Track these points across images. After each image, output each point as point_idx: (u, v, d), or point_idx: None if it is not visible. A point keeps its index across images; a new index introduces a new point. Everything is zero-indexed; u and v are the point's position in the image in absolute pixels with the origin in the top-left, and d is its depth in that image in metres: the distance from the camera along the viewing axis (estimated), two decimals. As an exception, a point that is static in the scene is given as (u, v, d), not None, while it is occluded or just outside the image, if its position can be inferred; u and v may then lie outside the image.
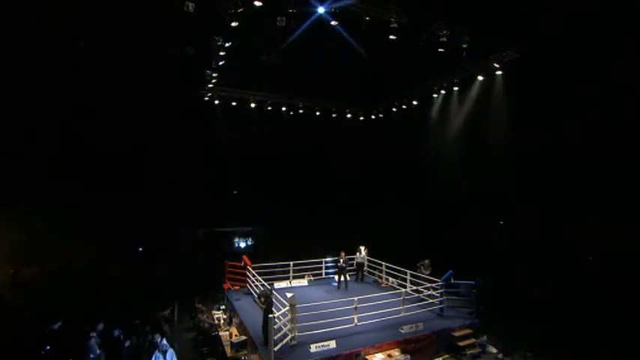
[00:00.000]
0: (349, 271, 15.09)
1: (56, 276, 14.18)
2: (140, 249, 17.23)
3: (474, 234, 15.04)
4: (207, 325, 11.68)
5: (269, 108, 17.68)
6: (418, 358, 9.66)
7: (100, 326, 10.10)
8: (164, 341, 8.63)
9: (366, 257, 15.22)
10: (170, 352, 8.46)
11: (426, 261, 12.65)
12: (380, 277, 14.94)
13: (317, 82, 16.64)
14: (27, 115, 13.79)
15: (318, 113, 18.59)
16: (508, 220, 15.27)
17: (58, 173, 14.68)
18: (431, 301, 11.65)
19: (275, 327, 8.47)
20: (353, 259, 15.02)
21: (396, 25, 10.56)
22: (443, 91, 15.68)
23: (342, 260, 13.70)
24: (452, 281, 11.84)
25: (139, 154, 16.63)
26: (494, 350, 10.40)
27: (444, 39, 11.15)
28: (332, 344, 8.96)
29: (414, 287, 12.17)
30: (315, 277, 15.25)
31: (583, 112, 11.70)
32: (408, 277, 12.78)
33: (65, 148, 14.90)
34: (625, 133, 11.12)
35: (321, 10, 9.80)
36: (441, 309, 11.46)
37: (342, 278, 13.73)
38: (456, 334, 10.44)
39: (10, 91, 12.81)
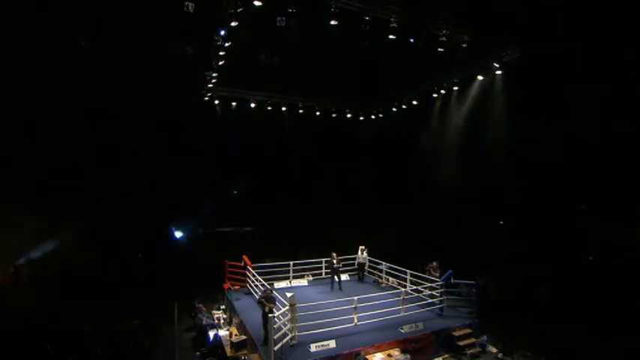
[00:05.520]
0: (347, 271, 15.12)
1: (56, 276, 14.18)
2: (139, 255, 17.16)
3: (473, 234, 15.01)
4: (206, 324, 11.69)
5: (269, 108, 17.70)
6: (418, 358, 9.66)
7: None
8: None
9: (367, 257, 15.23)
10: None
11: (434, 263, 12.59)
12: (380, 277, 14.95)
13: (317, 82, 16.65)
14: (28, 113, 13.79)
15: (318, 113, 18.60)
16: (508, 220, 15.24)
17: (59, 173, 14.68)
18: (431, 300, 11.65)
19: (275, 327, 8.48)
20: (352, 259, 15.05)
21: (395, 25, 10.57)
22: (443, 91, 15.68)
23: (334, 261, 13.66)
24: (452, 281, 11.84)
25: (139, 154, 16.61)
26: (494, 350, 10.41)
27: (444, 39, 11.16)
28: (332, 344, 8.97)
29: (414, 287, 12.18)
30: (315, 277, 15.26)
31: (583, 112, 11.68)
32: (408, 277, 12.79)
33: (65, 147, 14.89)
34: (626, 132, 11.12)
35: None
36: (441, 309, 11.46)
37: (336, 279, 13.69)
38: (456, 333, 10.45)
39: (11, 90, 12.82)
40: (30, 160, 14.11)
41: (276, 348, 8.38)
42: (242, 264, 13.98)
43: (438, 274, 12.16)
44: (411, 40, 11.13)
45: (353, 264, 15.34)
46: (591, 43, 10.78)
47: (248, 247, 16.66)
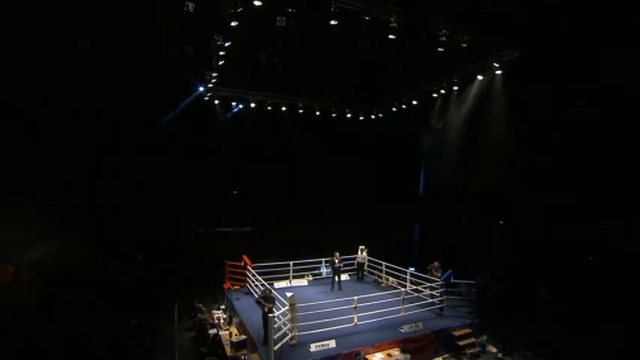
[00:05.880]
0: (348, 270, 15.11)
1: (56, 276, 14.18)
2: (139, 257, 17.14)
3: (473, 234, 15.02)
4: (206, 324, 11.69)
5: (269, 108, 17.71)
6: (418, 358, 9.66)
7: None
8: None
9: (367, 257, 15.23)
10: None
11: (436, 263, 12.58)
12: (380, 277, 14.95)
13: (317, 82, 16.65)
14: (29, 112, 13.80)
15: (318, 113, 18.61)
16: (508, 220, 15.26)
17: (59, 173, 14.68)
18: (431, 300, 11.65)
19: (275, 326, 8.48)
20: (351, 259, 15.04)
21: (395, 25, 10.57)
22: (443, 91, 15.70)
23: (337, 260, 13.66)
24: (452, 281, 11.84)
25: (139, 154, 16.62)
26: (494, 350, 10.40)
27: (444, 39, 11.16)
28: (332, 344, 8.97)
29: (414, 287, 12.18)
30: (315, 277, 15.26)
31: (583, 111, 11.69)
32: (408, 277, 12.79)
33: (65, 147, 14.90)
34: (625, 132, 11.12)
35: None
36: (441, 309, 11.46)
37: (337, 279, 13.69)
38: (456, 333, 10.45)
39: (11, 88, 12.83)
40: (31, 159, 14.11)
41: (276, 348, 8.38)
42: (242, 264, 13.98)
43: (439, 275, 12.16)
44: (411, 40, 11.12)
45: (353, 264, 15.35)
46: (591, 43, 10.79)
47: (248, 247, 16.66)
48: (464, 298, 11.99)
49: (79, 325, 10.86)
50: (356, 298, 10.25)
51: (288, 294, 10.15)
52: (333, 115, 19.28)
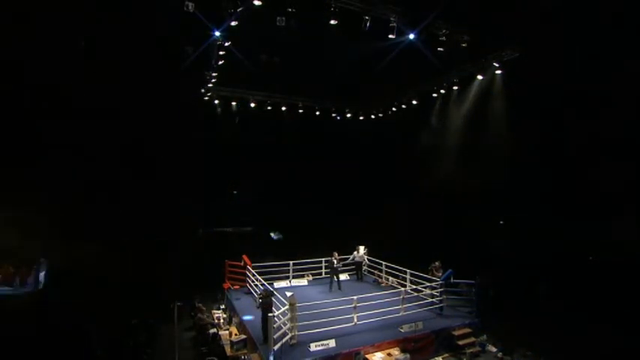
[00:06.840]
0: (346, 270, 15.09)
1: (56, 276, 14.18)
2: (140, 257, 17.13)
3: (474, 234, 15.01)
4: (206, 324, 11.69)
5: (269, 108, 17.71)
6: (418, 358, 9.66)
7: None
8: None
9: (365, 256, 15.22)
10: None
11: (436, 263, 12.54)
12: (380, 277, 14.95)
13: (317, 82, 16.67)
14: (28, 111, 13.80)
15: (317, 113, 18.61)
16: (508, 220, 15.25)
17: (59, 173, 14.69)
18: (431, 300, 11.65)
19: (275, 326, 8.48)
20: (347, 259, 15.04)
21: (395, 25, 10.59)
22: (443, 91, 15.69)
23: (335, 261, 13.63)
24: (452, 280, 11.84)
25: (139, 154, 16.62)
26: (494, 349, 10.40)
27: (444, 39, 11.17)
28: (331, 343, 8.97)
29: (414, 286, 12.18)
30: (315, 277, 15.26)
31: (583, 111, 11.69)
32: (408, 277, 12.79)
33: (65, 147, 14.91)
34: (625, 132, 11.12)
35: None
36: (441, 308, 11.47)
37: (335, 279, 13.67)
38: (456, 333, 10.45)
39: (11, 87, 12.84)
40: (33, 159, 14.13)
41: (275, 347, 8.39)
42: (242, 264, 13.98)
43: (440, 274, 12.14)
44: (411, 37, 11.14)
45: (351, 263, 15.32)
46: (591, 43, 10.79)
47: (248, 247, 16.65)
48: (464, 298, 11.98)
49: (79, 325, 10.86)
50: (355, 297, 10.25)
51: (288, 294, 10.15)
52: (333, 115, 19.30)
